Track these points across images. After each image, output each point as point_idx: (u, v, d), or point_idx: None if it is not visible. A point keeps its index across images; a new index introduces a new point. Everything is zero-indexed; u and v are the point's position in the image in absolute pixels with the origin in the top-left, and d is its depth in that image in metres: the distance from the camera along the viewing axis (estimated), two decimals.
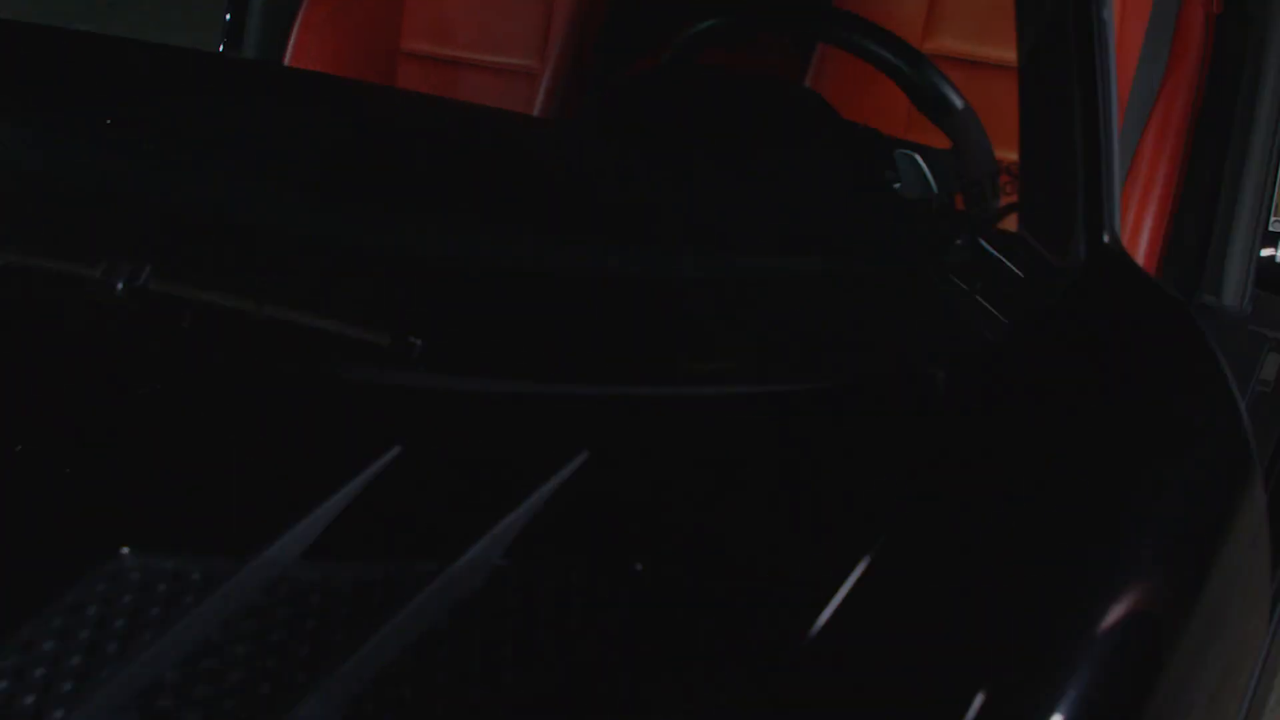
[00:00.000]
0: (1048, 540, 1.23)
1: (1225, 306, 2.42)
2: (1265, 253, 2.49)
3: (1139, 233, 2.37)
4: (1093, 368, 1.38)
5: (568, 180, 1.60)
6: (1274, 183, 2.45)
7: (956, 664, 1.10)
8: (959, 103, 1.79)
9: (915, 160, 1.64)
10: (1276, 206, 2.48)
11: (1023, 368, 1.36)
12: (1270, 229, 2.48)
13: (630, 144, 1.66)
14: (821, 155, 1.62)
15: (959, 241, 1.48)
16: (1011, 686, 1.09)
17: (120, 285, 1.37)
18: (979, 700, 1.05)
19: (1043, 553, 1.22)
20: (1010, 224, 1.55)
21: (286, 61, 2.85)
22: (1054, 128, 1.49)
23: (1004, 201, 1.58)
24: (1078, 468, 1.29)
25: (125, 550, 1.12)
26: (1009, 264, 1.47)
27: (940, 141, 1.74)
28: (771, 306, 1.43)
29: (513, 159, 1.64)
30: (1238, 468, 1.34)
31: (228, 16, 3.03)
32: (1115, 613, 1.23)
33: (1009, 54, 2.28)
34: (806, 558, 1.16)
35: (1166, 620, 1.29)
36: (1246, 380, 2.30)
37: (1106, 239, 1.45)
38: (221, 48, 3.05)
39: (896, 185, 1.63)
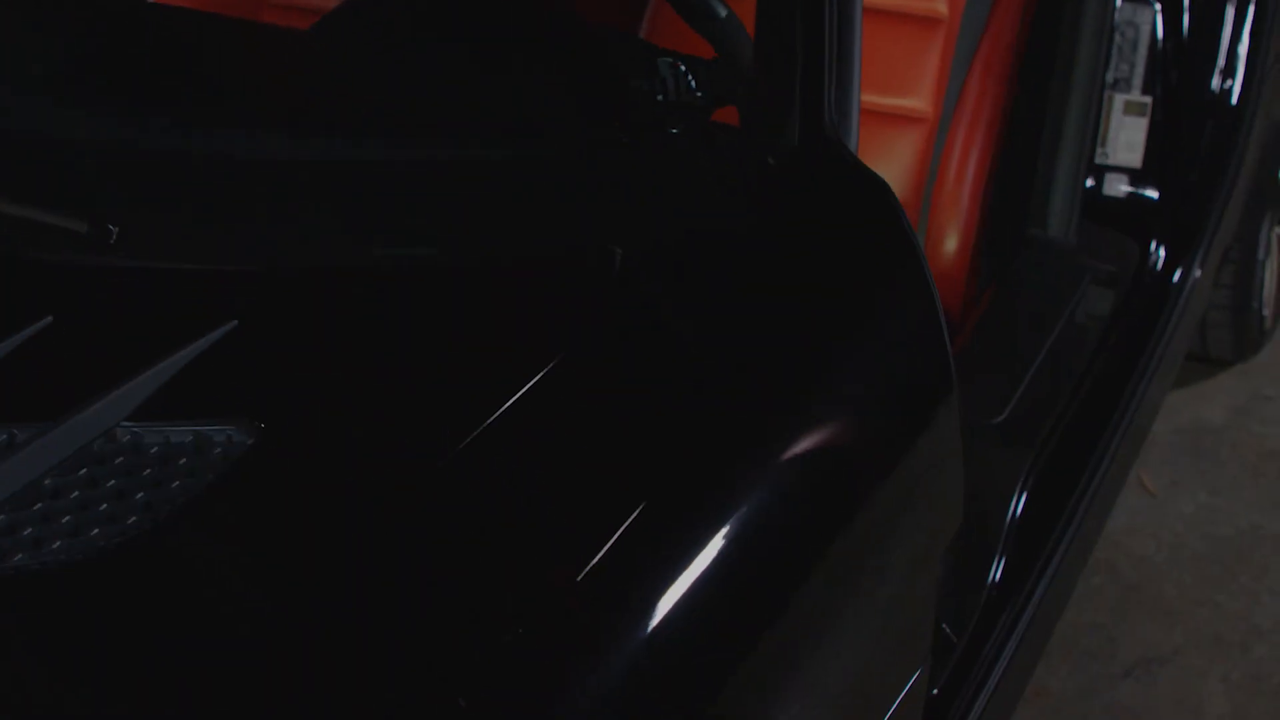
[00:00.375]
0: (716, 410, 1.24)
1: (1051, 239, 2.43)
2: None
3: (965, 164, 2.37)
4: (789, 244, 1.39)
5: (307, 84, 1.61)
6: (1098, 114, 2.45)
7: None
8: (722, 11, 1.79)
9: (678, 68, 1.64)
10: (1101, 138, 2.48)
11: (717, 246, 1.37)
12: (1095, 161, 2.49)
13: (382, 51, 1.67)
14: (555, 56, 1.62)
15: (674, 131, 1.48)
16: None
17: None
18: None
19: (709, 424, 1.23)
20: None
21: None
22: (781, 23, 1.49)
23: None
24: (758, 339, 1.30)
25: None
26: (725, 152, 1.48)
27: None
28: (471, 191, 1.43)
29: (262, 67, 1.64)
30: (926, 332, 1.35)
31: None
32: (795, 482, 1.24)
33: None
34: (449, 418, 1.16)
35: (851, 493, 1.30)
36: (1064, 311, 2.30)
37: (826, 129, 1.45)
38: None
39: (660, 97, 1.63)
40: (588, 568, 1.08)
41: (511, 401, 1.15)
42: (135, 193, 1.43)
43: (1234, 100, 2.48)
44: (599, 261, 1.29)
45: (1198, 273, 2.42)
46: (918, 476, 1.38)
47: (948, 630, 1.80)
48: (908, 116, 2.37)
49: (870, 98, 2.39)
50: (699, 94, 1.58)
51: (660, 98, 1.59)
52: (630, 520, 1.11)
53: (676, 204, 1.41)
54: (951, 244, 2.36)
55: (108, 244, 1.36)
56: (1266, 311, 3.05)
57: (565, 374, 1.19)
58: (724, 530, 1.15)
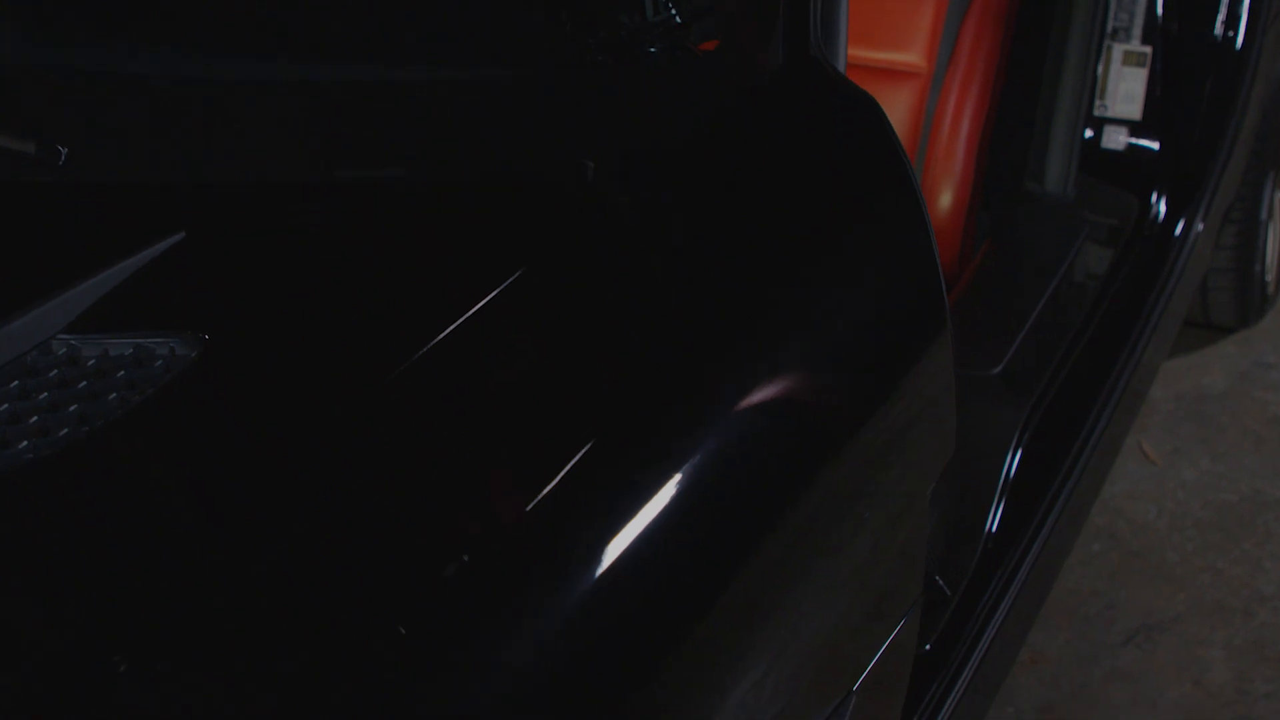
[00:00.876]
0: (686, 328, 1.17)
1: (1048, 192, 2.36)
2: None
3: (960, 118, 2.31)
4: (773, 162, 1.32)
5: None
6: (1096, 65, 2.39)
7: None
8: None
9: None
10: (1100, 89, 2.42)
11: (696, 165, 1.30)
12: (1094, 113, 2.42)
13: None
14: None
15: (651, 50, 1.42)
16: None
17: None
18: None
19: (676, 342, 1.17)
20: None
21: None
22: None
23: None
24: (738, 257, 1.23)
25: None
26: (706, 70, 1.41)
27: None
28: (452, 111, 1.37)
29: None
30: (915, 248, 1.28)
31: None
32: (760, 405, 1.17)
33: None
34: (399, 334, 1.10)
35: (833, 423, 1.23)
36: (1062, 265, 2.24)
37: (812, 49, 1.39)
38: None
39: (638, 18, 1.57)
40: (540, 496, 1.00)
41: (466, 316, 1.08)
42: (85, 114, 1.37)
43: (1237, 49, 2.41)
44: (570, 175, 1.23)
45: (1199, 227, 2.35)
46: (907, 405, 1.31)
47: (941, 583, 1.74)
48: (901, 71, 2.31)
49: (862, 52, 2.33)
50: (675, 14, 1.53)
51: (639, 19, 1.54)
52: (589, 449, 1.03)
53: (653, 121, 1.35)
54: (947, 199, 2.29)
55: (56, 164, 1.30)
56: (1269, 276, 2.99)
57: (526, 289, 1.13)
58: (693, 463, 1.07)
